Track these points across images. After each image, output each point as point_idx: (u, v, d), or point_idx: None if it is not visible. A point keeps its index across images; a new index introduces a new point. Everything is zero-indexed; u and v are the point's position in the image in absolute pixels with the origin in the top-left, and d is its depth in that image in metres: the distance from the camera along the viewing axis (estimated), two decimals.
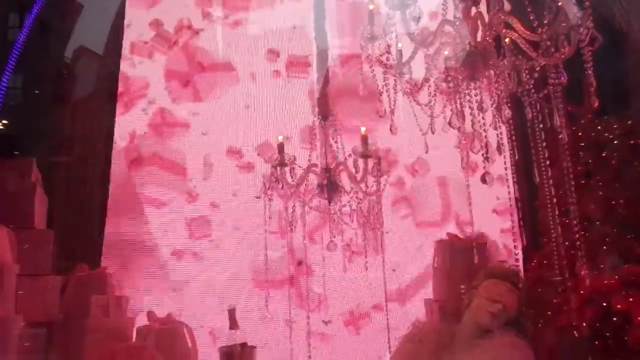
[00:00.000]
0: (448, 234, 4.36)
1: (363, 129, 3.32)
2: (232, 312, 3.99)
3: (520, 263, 3.82)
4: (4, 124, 5.52)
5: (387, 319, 3.30)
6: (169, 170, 5.07)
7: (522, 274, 3.11)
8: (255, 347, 4.05)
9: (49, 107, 6.00)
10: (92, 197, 5.27)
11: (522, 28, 2.31)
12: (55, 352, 3.68)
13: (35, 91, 6.18)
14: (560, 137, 2.33)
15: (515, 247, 2.51)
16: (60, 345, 3.70)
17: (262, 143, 5.05)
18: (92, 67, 5.71)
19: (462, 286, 3.70)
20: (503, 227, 4.92)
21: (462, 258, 3.84)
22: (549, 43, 2.15)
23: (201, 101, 5.26)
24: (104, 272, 4.29)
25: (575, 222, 2.41)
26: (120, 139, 5.08)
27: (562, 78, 2.16)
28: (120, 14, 5.29)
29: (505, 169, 2.57)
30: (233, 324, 3.96)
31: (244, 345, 3.90)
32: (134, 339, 3.96)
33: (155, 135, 5.13)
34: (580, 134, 3.42)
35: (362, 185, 3.39)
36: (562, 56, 2.17)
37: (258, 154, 5.01)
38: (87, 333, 3.70)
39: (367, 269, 3.70)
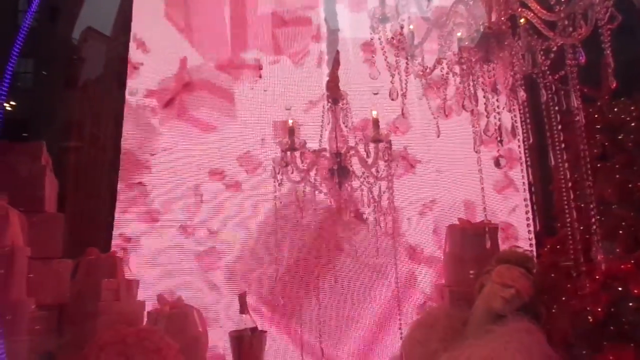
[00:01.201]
0: (459, 219, 4.31)
1: (374, 112, 3.27)
2: (242, 297, 4.00)
3: (534, 248, 3.77)
4: (12, 106, 5.52)
5: (398, 304, 3.28)
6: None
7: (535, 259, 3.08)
8: (265, 331, 4.07)
9: (58, 90, 5.98)
10: (101, 180, 5.26)
11: (538, 7, 2.25)
12: (66, 335, 3.70)
13: (44, 72, 6.16)
14: (576, 119, 2.28)
15: (529, 232, 2.46)
16: (71, 328, 3.72)
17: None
18: (100, 49, 5.66)
19: (472, 271, 3.68)
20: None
21: (474, 243, 3.81)
22: (566, 22, 2.09)
23: None
24: (114, 255, 4.30)
25: (591, 205, 2.37)
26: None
27: (580, 58, 2.10)
28: None
29: (519, 152, 2.53)
30: (243, 309, 3.97)
31: (254, 329, 3.91)
32: (144, 323, 3.97)
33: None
34: (596, 116, 3.34)
35: (373, 170, 3.35)
36: (580, 36, 2.11)
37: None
38: (97, 316, 3.72)
39: (378, 256, 3.68)
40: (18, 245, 3.45)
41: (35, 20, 3.12)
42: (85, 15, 5.72)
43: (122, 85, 5.03)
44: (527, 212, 2.52)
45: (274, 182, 3.40)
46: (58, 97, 5.88)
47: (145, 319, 4.03)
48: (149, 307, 4.15)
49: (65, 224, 4.06)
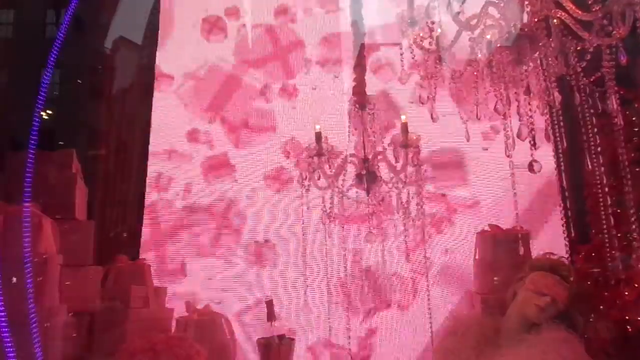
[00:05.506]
0: (490, 225, 4.22)
1: (403, 117, 3.23)
2: (269, 304, 3.98)
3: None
4: (48, 114, 5.63)
5: (430, 310, 3.23)
6: None
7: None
8: (293, 338, 4.04)
9: (87, 98, 6.08)
10: (129, 188, 5.32)
11: (573, 7, 2.19)
12: (96, 341, 3.73)
13: (78, 81, 6.27)
14: (615, 121, 2.20)
15: (565, 239, 2.39)
16: (100, 334, 3.75)
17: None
18: (131, 58, 5.74)
19: (496, 278, 3.60)
20: None
21: (506, 249, 3.73)
22: (605, 22, 2.03)
23: None
24: (143, 263, 4.33)
25: (631, 211, 2.29)
26: None
27: (622, 58, 2.02)
28: (158, 3, 5.32)
29: (554, 157, 2.47)
30: (271, 316, 3.95)
31: (281, 336, 3.89)
32: (173, 330, 3.98)
33: None
34: (633, 118, 3.24)
35: (401, 175, 3.31)
36: (619, 35, 2.05)
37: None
38: (127, 323, 3.74)
39: (408, 261, 3.63)
40: (51, 254, 3.49)
41: (66, 32, 3.18)
42: (117, 25, 5.80)
43: (150, 92, 5.09)
44: (562, 219, 2.45)
45: (301, 188, 3.38)
46: (88, 105, 5.97)
47: (173, 326, 4.04)
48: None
49: (94, 231, 4.11)
